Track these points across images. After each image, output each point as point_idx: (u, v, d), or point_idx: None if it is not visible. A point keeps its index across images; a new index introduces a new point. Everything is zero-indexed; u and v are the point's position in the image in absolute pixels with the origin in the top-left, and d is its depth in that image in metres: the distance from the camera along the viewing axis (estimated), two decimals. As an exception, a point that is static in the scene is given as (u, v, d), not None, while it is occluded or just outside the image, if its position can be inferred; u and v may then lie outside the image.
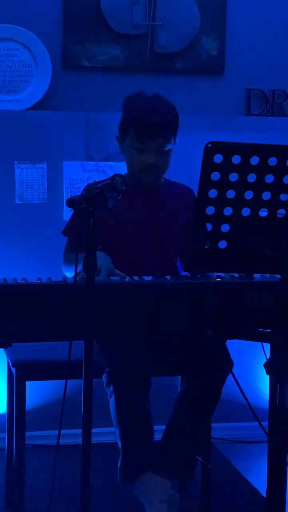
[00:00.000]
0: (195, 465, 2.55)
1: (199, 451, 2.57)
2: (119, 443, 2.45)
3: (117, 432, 2.45)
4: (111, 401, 2.44)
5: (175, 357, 2.58)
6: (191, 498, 2.67)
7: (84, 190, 2.59)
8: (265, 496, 2.65)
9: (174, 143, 2.75)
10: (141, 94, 2.77)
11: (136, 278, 2.32)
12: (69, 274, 2.73)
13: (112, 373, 2.44)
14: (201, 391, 2.54)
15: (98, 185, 2.14)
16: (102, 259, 2.49)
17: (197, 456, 2.54)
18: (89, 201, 2.01)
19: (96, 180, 3.12)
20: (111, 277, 2.39)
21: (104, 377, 2.48)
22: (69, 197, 2.16)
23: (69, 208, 2.04)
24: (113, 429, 2.47)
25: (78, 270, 2.10)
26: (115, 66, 3.60)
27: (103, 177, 3.31)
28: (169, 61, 3.65)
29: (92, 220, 2.00)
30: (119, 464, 2.44)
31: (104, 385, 2.48)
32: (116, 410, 2.43)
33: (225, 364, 2.55)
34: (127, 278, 2.33)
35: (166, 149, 2.72)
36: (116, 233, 2.75)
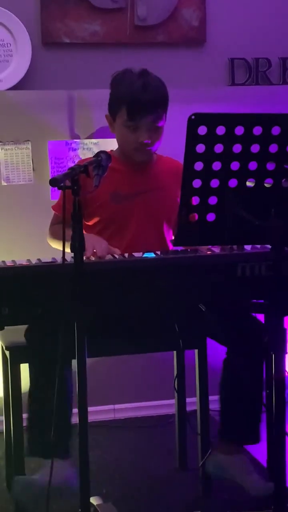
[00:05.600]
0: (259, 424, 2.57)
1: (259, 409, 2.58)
2: None
3: None
4: None
5: (171, 333, 2.57)
6: (191, 473, 2.68)
7: (68, 169, 2.57)
8: (265, 466, 2.67)
9: (166, 119, 2.72)
10: (129, 71, 2.71)
11: (126, 255, 2.31)
12: (55, 245, 2.75)
13: None
14: (245, 359, 2.52)
15: (82, 164, 2.11)
16: (99, 239, 2.52)
17: None
18: (73, 180, 1.99)
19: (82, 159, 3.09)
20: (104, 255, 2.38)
21: None
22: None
23: (56, 188, 2.02)
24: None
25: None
26: (96, 41, 3.56)
27: (88, 154, 3.28)
28: (150, 34, 3.61)
29: (77, 198, 1.98)
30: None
31: None
32: None
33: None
34: (117, 256, 2.31)
35: (159, 125, 2.68)
36: (108, 210, 2.73)
